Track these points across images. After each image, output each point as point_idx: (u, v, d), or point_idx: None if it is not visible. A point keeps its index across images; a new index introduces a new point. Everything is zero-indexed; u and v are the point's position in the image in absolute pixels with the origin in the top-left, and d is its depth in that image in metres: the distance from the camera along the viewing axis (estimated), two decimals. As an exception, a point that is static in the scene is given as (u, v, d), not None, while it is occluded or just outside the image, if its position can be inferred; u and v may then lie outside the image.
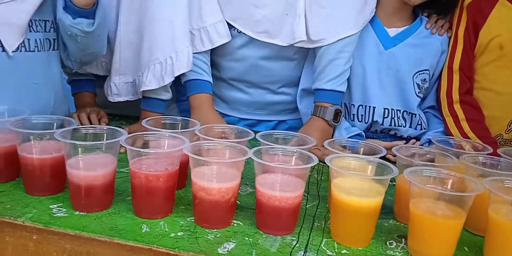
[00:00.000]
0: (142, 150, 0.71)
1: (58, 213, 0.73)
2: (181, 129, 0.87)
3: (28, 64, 0.97)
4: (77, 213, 0.73)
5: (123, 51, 1.12)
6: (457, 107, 1.13)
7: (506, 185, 0.71)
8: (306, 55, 1.20)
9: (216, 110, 1.21)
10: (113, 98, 1.16)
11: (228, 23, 1.13)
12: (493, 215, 0.68)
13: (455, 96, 1.13)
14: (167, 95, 1.14)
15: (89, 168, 0.72)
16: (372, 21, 1.16)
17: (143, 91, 1.12)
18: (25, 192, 0.78)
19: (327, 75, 1.12)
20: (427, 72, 1.17)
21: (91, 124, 1.15)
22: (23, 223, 0.69)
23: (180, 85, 1.18)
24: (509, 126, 1.14)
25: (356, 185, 0.71)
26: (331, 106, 1.11)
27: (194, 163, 0.72)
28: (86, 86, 1.27)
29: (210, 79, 1.17)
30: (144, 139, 0.77)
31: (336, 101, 1.13)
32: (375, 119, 1.17)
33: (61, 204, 0.76)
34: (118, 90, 1.15)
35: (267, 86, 1.24)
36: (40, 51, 1.00)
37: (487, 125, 1.14)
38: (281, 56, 1.17)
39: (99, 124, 1.16)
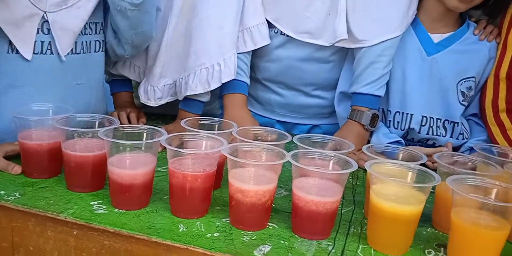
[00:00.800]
0: (182, 150, 0.72)
1: (99, 209, 0.74)
2: (218, 130, 0.88)
3: (74, 66, 1.00)
4: (116, 210, 0.75)
5: (169, 53, 1.14)
6: (504, 116, 1.09)
7: (555, 197, 0.68)
8: (343, 58, 1.19)
9: (251, 111, 1.21)
10: (156, 103, 1.18)
11: (268, 23, 1.14)
12: (541, 227, 0.65)
13: (502, 105, 1.09)
14: (207, 97, 1.16)
15: (130, 166, 0.73)
16: (415, 25, 1.13)
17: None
18: (67, 188, 0.81)
19: (365, 79, 1.10)
20: (473, 79, 1.13)
21: (130, 123, 1.17)
22: (65, 218, 0.71)
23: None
24: None
25: (396, 191, 0.69)
26: (368, 110, 1.10)
27: (232, 164, 0.72)
28: (124, 86, 1.30)
29: (248, 80, 1.17)
30: (183, 140, 0.78)
31: (374, 105, 1.12)
32: (412, 126, 1.14)
33: (101, 201, 0.78)
34: (161, 93, 1.17)
35: (301, 88, 1.23)
36: (86, 53, 1.03)
37: None
38: (318, 57, 1.17)
39: (138, 124, 1.18)
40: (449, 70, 1.12)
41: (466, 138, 1.16)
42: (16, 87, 0.95)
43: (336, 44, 1.11)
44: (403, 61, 1.14)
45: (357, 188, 0.95)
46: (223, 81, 1.09)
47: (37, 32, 0.93)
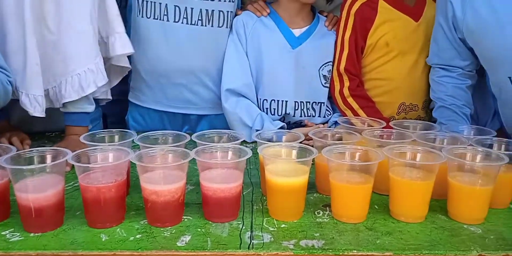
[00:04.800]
0: (91, 165, 0.76)
1: (13, 237, 0.75)
2: (119, 140, 0.92)
3: None
4: (32, 234, 0.76)
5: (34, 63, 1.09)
6: (351, 100, 1.32)
7: (399, 151, 0.89)
8: None
9: (139, 105, 1.32)
10: (42, 113, 1.11)
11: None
12: (393, 176, 0.85)
13: (346, 92, 1.32)
14: (91, 108, 1.16)
15: (39, 189, 0.75)
16: (278, 22, 1.30)
17: (66, 106, 1.13)
18: (-31, 224, 0.78)
19: None
20: (330, 63, 1.34)
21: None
22: (-20, 253, 0.70)
23: None
24: (399, 109, 1.36)
25: (285, 168, 0.84)
26: None
27: (141, 170, 0.79)
28: None
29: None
30: (89, 155, 0.81)
31: None
32: (288, 112, 1.32)
33: (12, 229, 0.77)
34: (41, 103, 1.12)
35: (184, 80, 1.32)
36: None
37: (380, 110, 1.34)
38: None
39: (22, 147, 1.14)
40: (310, 58, 1.32)
41: (330, 115, 1.38)
42: None
43: None
44: (271, 55, 1.30)
45: (251, 171, 1.08)
46: (99, 85, 1.11)
47: None
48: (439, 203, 0.90)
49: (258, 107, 1.32)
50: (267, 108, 1.32)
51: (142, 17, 1.25)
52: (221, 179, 0.81)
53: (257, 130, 1.25)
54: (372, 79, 1.35)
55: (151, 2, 1.23)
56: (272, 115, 1.33)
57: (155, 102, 1.35)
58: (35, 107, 1.10)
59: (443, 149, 0.87)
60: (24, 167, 0.73)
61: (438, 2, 1.23)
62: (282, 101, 1.31)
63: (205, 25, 1.26)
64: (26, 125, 1.26)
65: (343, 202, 0.84)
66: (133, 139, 0.91)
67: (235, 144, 0.89)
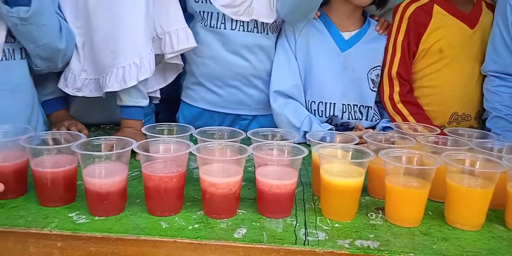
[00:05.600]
0: (156, 154, 0.80)
1: (80, 220, 0.78)
2: (177, 133, 0.95)
3: None
4: (96, 218, 0.79)
5: (88, 51, 1.15)
6: (401, 106, 1.31)
7: (457, 158, 0.87)
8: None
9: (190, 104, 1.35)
10: (73, 92, 1.18)
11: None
12: (451, 182, 0.84)
13: (396, 98, 1.31)
14: (145, 102, 1.20)
15: (106, 176, 0.78)
16: (328, 26, 1.32)
17: (121, 99, 1.18)
18: (40, 205, 0.83)
19: None
20: (379, 67, 1.34)
21: None
22: (50, 232, 0.74)
23: None
24: (451, 119, 1.34)
25: (341, 168, 0.84)
26: None
27: (202, 162, 0.81)
28: (58, 104, 1.30)
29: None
30: (152, 146, 0.84)
31: None
32: (335, 114, 1.32)
33: (78, 211, 0.81)
34: (81, 85, 1.18)
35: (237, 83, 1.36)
36: (9, 59, 1.03)
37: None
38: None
39: None
40: (359, 62, 1.33)
41: (377, 119, 1.37)
42: None
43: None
44: (320, 58, 1.31)
45: (301, 171, 1.08)
46: (140, 79, 1.14)
47: None
48: (496, 213, 0.88)
49: (306, 109, 1.33)
50: (314, 110, 1.33)
51: (201, 23, 1.29)
52: (277, 175, 0.83)
53: (305, 132, 1.26)
54: (423, 87, 1.33)
55: (208, 12, 1.27)
56: (320, 117, 1.33)
57: (208, 102, 1.38)
58: (66, 82, 1.18)
59: (503, 158, 0.85)
60: (94, 153, 0.77)
61: (498, 6, 1.21)
62: (330, 103, 1.32)
63: (261, 32, 1.28)
64: (83, 117, 1.32)
65: (399, 206, 0.84)
66: (191, 133, 0.94)
67: (291, 142, 0.90)
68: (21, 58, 1.06)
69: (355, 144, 0.92)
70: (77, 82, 1.18)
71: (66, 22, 1.14)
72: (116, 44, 1.11)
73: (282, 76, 1.33)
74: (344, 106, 1.33)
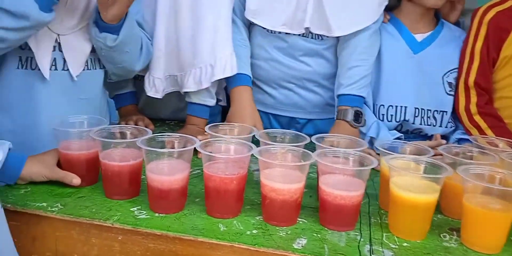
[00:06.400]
0: (217, 155, 0.78)
1: (140, 215, 0.79)
2: (237, 134, 0.94)
3: (79, 81, 1.03)
4: (157, 214, 0.79)
5: (168, 50, 1.17)
6: (478, 118, 1.20)
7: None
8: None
9: None
10: (161, 94, 1.21)
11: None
12: (542, 207, 0.74)
13: (473, 109, 1.20)
14: (212, 102, 1.21)
15: (168, 173, 0.78)
16: (399, 28, 1.26)
17: (190, 97, 1.19)
18: (105, 196, 0.84)
19: (347, 81, 1.19)
20: (456, 70, 1.24)
21: None
22: (112, 225, 0.75)
23: None
24: None
25: (413, 182, 0.77)
26: (350, 108, 1.18)
27: (263, 166, 0.78)
28: (128, 99, 1.34)
29: (250, 73, 1.23)
30: (214, 145, 0.83)
31: (356, 104, 1.20)
32: (406, 118, 1.24)
33: (140, 206, 0.82)
34: (165, 84, 1.21)
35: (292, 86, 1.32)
36: (91, 69, 1.06)
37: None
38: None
39: None
40: (434, 65, 1.24)
41: (452, 127, 1.27)
42: (25, 101, 0.98)
43: (314, 32, 1.19)
44: (392, 61, 1.25)
45: (367, 182, 1.02)
46: (212, 80, 1.15)
47: (53, 50, 0.97)
48: None
49: (374, 113, 1.26)
50: (383, 115, 1.26)
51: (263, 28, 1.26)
52: (343, 185, 0.78)
53: (371, 138, 1.19)
54: (504, 98, 1.21)
55: None
56: (389, 121, 1.26)
57: (263, 104, 1.35)
58: (152, 88, 1.20)
59: None
60: (158, 150, 0.77)
61: None
62: (401, 107, 1.24)
63: (324, 39, 1.23)
64: (149, 112, 1.35)
65: (478, 229, 0.75)
66: (253, 135, 0.92)
67: (359, 150, 0.85)
68: (100, 67, 1.09)
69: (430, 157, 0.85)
70: (162, 84, 1.20)
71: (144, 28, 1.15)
72: (195, 45, 1.13)
73: None
74: (417, 110, 1.25)
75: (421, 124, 1.25)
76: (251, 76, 1.23)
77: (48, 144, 0.90)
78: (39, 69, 0.96)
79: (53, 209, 0.78)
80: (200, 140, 0.82)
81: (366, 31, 1.19)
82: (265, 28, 1.21)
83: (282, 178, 0.78)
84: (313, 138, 0.90)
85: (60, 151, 0.86)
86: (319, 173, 0.82)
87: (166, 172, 0.78)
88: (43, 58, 0.95)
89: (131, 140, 0.80)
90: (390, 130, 1.24)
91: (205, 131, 0.93)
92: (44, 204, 0.80)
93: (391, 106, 1.25)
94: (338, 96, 1.22)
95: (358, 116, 1.18)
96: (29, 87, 0.97)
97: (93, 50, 1.04)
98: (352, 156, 0.83)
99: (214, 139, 0.84)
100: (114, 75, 1.13)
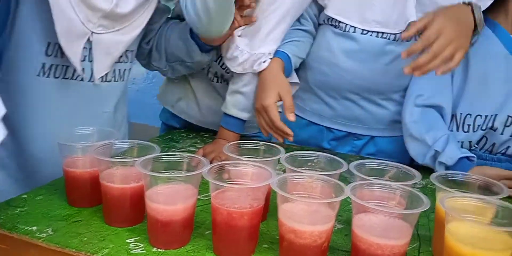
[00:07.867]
0: (225, 184, 0.64)
1: (135, 249, 0.67)
2: (263, 154, 0.80)
3: (103, 93, 0.97)
4: (154, 249, 0.67)
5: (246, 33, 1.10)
6: None
7: None
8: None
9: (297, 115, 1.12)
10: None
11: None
12: None
13: None
14: (248, 116, 1.09)
15: (169, 201, 0.66)
16: (494, 28, 1.05)
17: (226, 107, 1.10)
18: (104, 222, 0.74)
19: None
20: None
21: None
22: (100, 259, 0.65)
23: None
24: None
25: (478, 234, 0.58)
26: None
27: (282, 199, 0.64)
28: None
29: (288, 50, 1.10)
30: (227, 170, 0.70)
31: None
32: (495, 126, 1.04)
33: (138, 237, 0.71)
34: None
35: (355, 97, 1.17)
36: (117, 81, 0.99)
37: None
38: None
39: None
40: None
41: None
42: (44, 111, 0.92)
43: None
44: (485, 63, 1.05)
45: (420, 218, 0.83)
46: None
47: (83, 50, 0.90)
48: None
49: (456, 123, 1.07)
50: (469, 125, 1.06)
51: (331, 25, 1.12)
52: (382, 230, 0.61)
53: (435, 151, 1.00)
54: None
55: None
56: (474, 131, 1.06)
57: (317, 115, 1.20)
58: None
59: None
60: (157, 175, 0.65)
61: None
62: (491, 115, 1.04)
63: (396, 40, 1.07)
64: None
65: None
66: (279, 157, 0.77)
67: (408, 185, 0.67)
68: (123, 79, 1.02)
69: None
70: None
71: None
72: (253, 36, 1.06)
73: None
74: (510, 118, 1.03)
75: (511, 135, 1.04)
76: (290, 54, 1.08)
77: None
78: (63, 78, 0.91)
79: (41, 234, 0.69)
80: (218, 161, 0.70)
81: None
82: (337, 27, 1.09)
83: (304, 217, 0.63)
84: (352, 166, 0.74)
85: (63, 168, 0.77)
86: (353, 211, 0.65)
87: (165, 201, 0.66)
88: (76, 57, 0.88)
89: (133, 159, 0.69)
90: (472, 142, 1.05)
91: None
92: (34, 228, 0.71)
93: (469, 114, 1.05)
94: None
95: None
96: (48, 96, 0.91)
97: (123, 60, 0.98)
98: (399, 192, 0.66)
99: (228, 162, 0.71)
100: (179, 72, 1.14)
